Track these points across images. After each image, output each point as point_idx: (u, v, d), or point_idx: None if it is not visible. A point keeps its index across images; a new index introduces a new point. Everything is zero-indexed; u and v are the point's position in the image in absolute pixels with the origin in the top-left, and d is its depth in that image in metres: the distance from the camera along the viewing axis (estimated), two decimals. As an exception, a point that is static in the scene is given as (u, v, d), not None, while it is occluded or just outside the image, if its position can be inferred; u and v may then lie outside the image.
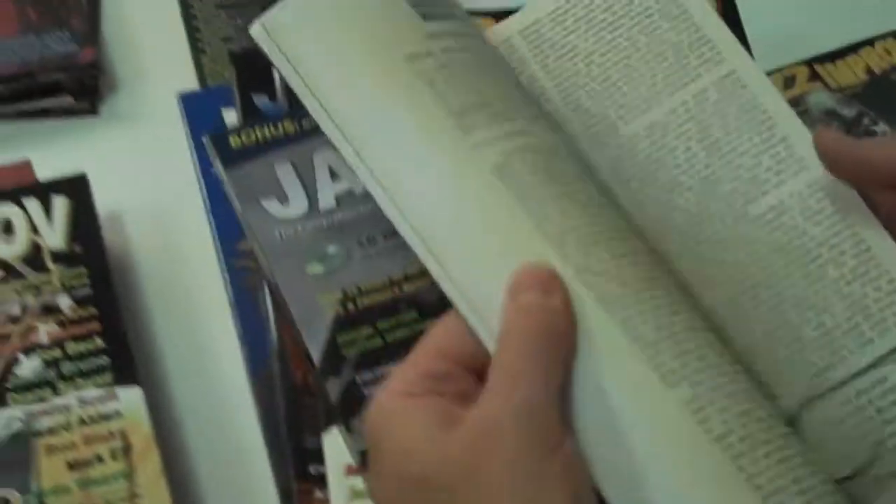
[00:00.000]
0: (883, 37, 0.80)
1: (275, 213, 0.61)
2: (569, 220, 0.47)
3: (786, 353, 0.51)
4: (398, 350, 0.57)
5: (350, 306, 0.59)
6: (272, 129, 0.64)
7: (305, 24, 0.52)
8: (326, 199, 0.62)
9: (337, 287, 0.59)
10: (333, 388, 0.56)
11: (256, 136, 0.64)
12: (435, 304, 0.52)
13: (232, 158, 0.63)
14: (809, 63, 0.79)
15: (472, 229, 0.47)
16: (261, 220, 0.61)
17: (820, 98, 0.77)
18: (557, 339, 0.46)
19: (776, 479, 0.44)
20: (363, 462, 0.55)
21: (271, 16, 0.51)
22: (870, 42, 0.80)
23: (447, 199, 0.48)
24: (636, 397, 0.45)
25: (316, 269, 0.60)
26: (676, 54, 0.56)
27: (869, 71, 0.79)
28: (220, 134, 0.64)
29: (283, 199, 0.62)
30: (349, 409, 0.56)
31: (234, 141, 0.64)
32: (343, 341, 0.58)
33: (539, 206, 0.47)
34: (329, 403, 0.57)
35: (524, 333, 0.45)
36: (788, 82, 0.77)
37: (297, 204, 0.62)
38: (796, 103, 0.76)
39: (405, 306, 0.59)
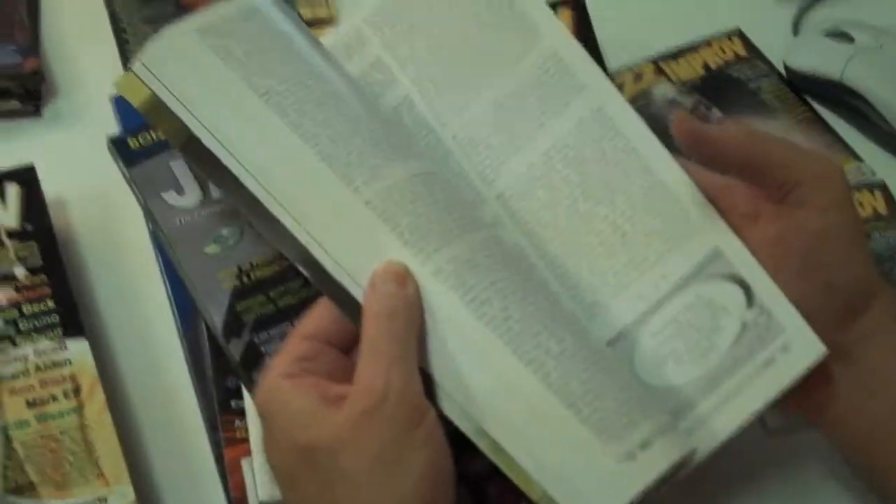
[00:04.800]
0: (718, 37, 0.87)
1: (174, 203, 0.64)
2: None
3: None
4: (288, 313, 0.61)
5: (245, 279, 0.62)
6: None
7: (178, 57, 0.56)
8: (216, 189, 0.65)
9: (233, 263, 0.62)
10: (236, 348, 0.60)
11: (152, 137, 0.67)
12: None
13: (132, 158, 0.66)
14: (655, 61, 0.85)
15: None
16: (162, 209, 0.64)
17: (662, 90, 0.83)
18: (413, 321, 0.51)
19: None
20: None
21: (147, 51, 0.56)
22: (707, 42, 0.87)
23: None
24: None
25: (213, 249, 0.63)
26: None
27: (706, 66, 0.85)
28: (119, 137, 0.67)
29: (180, 190, 0.65)
30: (250, 365, 0.60)
31: (132, 143, 0.67)
32: (241, 309, 0.61)
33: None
34: (233, 361, 0.61)
35: (387, 316, 0.50)
36: (637, 78, 0.84)
37: (192, 194, 0.65)
38: (643, 95, 0.82)
39: (292, 276, 0.62)
